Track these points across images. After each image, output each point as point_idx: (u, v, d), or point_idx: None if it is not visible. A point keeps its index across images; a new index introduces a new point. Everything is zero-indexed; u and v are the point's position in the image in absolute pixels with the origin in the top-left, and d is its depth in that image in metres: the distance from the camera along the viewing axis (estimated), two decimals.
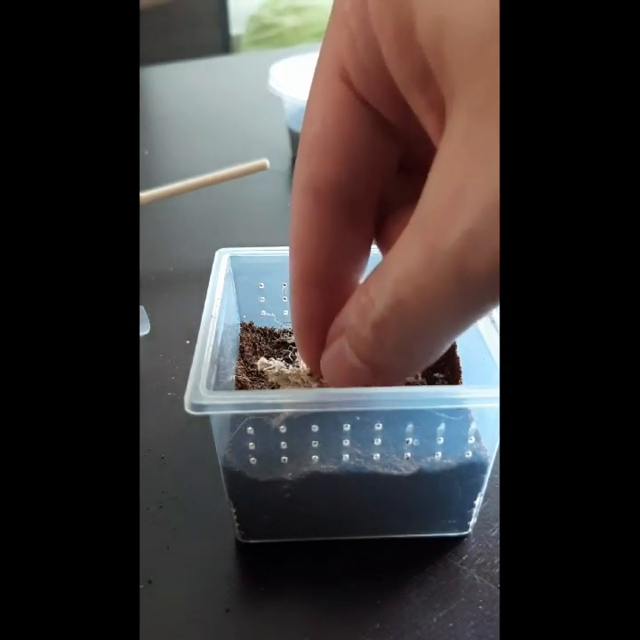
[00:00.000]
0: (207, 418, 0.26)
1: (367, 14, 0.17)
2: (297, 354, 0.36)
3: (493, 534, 0.31)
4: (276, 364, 0.33)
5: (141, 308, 0.44)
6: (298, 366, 0.34)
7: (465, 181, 0.15)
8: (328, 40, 0.20)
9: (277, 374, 0.32)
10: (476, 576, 0.29)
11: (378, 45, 0.17)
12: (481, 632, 0.27)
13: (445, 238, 0.16)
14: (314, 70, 0.20)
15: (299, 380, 0.32)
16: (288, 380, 0.32)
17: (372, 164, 0.21)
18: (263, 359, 0.33)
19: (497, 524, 0.32)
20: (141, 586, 0.29)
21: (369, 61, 0.18)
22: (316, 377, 0.27)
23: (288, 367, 0.34)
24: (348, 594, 0.29)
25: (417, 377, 0.34)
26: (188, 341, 0.45)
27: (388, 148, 0.21)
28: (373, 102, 0.19)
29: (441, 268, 0.16)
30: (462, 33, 0.15)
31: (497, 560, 0.30)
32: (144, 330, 0.44)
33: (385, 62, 0.18)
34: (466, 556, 0.30)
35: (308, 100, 0.21)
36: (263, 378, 0.34)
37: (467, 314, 0.18)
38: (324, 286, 0.23)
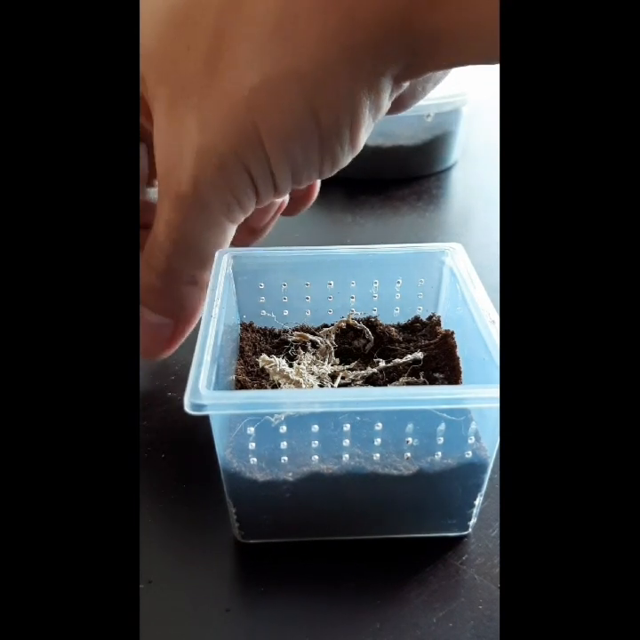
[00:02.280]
0: (207, 417, 0.26)
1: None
2: (297, 351, 0.36)
3: (493, 534, 0.31)
4: (278, 361, 0.33)
5: None
6: (300, 364, 0.34)
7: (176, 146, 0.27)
8: None
9: (279, 372, 0.32)
10: (475, 576, 0.29)
11: None
12: (481, 632, 0.27)
13: (179, 182, 0.27)
14: None
15: (300, 379, 0.32)
16: (289, 377, 0.32)
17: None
18: (265, 356, 0.33)
19: (497, 524, 0.32)
20: (141, 586, 0.29)
21: None
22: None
23: (290, 365, 0.34)
24: (348, 594, 0.29)
25: (418, 377, 0.34)
26: (188, 341, 0.45)
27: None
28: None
29: (182, 201, 0.28)
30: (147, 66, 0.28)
31: (497, 560, 0.30)
32: None
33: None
34: (466, 555, 0.30)
35: None
36: (263, 377, 0.34)
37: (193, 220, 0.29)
38: None
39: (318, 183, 0.30)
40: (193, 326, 0.28)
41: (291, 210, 0.34)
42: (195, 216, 0.27)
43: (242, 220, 0.30)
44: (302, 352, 0.35)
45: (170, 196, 0.26)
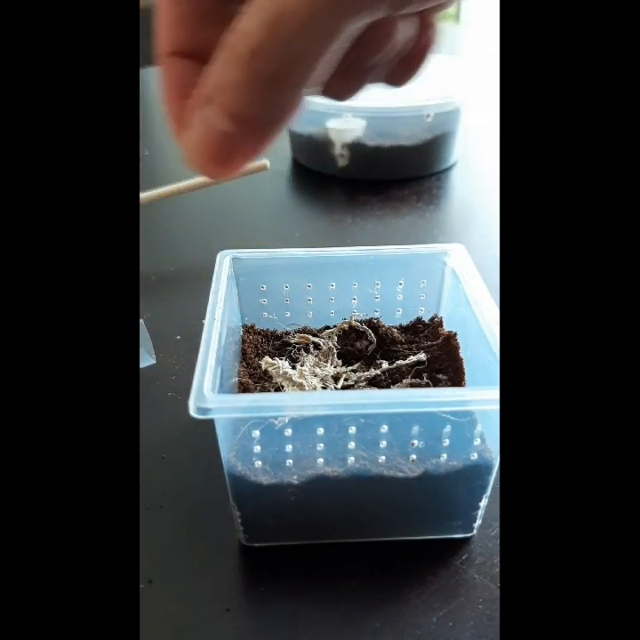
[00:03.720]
0: (209, 419, 0.26)
1: None
2: (299, 353, 0.36)
3: (493, 534, 0.31)
4: (281, 363, 0.33)
5: (146, 336, 0.42)
6: (302, 366, 0.34)
7: None
8: None
9: (282, 374, 0.32)
10: (475, 576, 0.29)
11: None
12: (481, 631, 0.27)
13: None
14: None
15: (303, 381, 0.32)
16: (292, 379, 0.32)
17: None
18: (267, 358, 0.33)
19: (497, 524, 0.32)
20: (141, 586, 0.29)
21: None
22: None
23: (293, 367, 0.34)
24: (348, 594, 0.29)
25: (422, 378, 0.34)
26: (188, 341, 0.45)
27: None
28: None
29: None
30: None
31: (497, 560, 0.30)
32: (149, 360, 0.43)
33: None
34: (466, 555, 0.30)
35: None
36: (266, 380, 0.34)
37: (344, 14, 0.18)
38: (191, 56, 0.22)
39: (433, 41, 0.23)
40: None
41: (399, 75, 0.24)
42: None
43: (359, 29, 0.23)
44: (305, 354, 0.35)
45: None
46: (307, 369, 0.33)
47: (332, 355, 0.36)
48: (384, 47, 0.25)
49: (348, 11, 0.19)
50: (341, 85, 0.25)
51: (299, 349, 0.36)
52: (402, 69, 0.26)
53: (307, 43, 0.19)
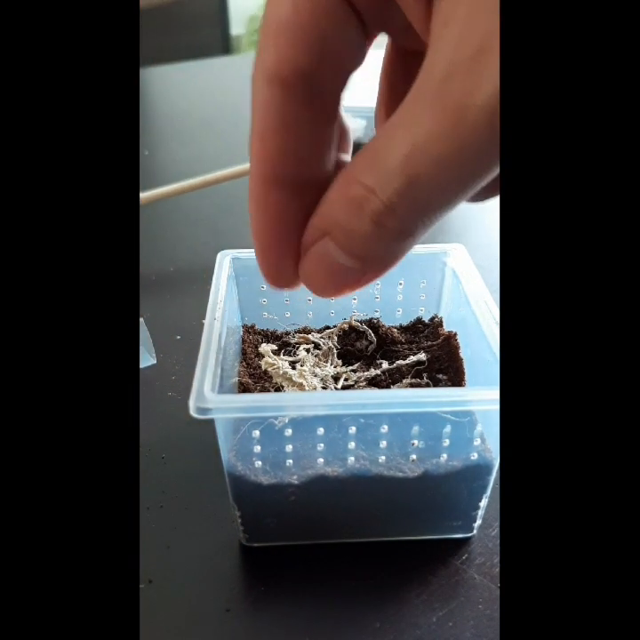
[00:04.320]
0: (209, 418, 0.26)
1: None
2: (299, 352, 0.36)
3: (493, 534, 0.31)
4: (281, 363, 0.33)
5: (147, 336, 0.42)
6: (302, 366, 0.34)
7: (485, 40, 0.16)
8: None
9: (282, 375, 0.32)
10: (475, 576, 0.29)
11: None
12: (481, 632, 0.27)
13: (477, 94, 0.16)
14: None
15: (303, 381, 0.32)
16: (292, 380, 0.32)
17: (343, 52, 0.20)
18: (267, 358, 0.33)
19: (497, 524, 0.32)
20: (141, 586, 0.29)
21: None
22: (277, 287, 0.24)
23: (293, 367, 0.34)
24: (348, 594, 0.29)
25: (422, 378, 0.34)
26: (188, 341, 0.45)
27: (358, 36, 0.20)
28: None
29: (472, 125, 0.16)
30: None
31: (497, 560, 0.30)
32: (149, 360, 0.43)
33: None
34: (466, 555, 0.30)
35: None
36: (266, 380, 0.34)
37: (480, 173, 0.17)
38: (290, 187, 0.21)
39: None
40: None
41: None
42: (474, 150, 0.16)
43: None
44: (305, 354, 0.35)
45: (447, 105, 0.16)
46: (307, 369, 0.33)
47: (332, 355, 0.36)
48: None
49: (478, 176, 0.17)
50: (486, 194, 0.23)
51: (298, 347, 0.36)
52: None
53: (442, 205, 0.18)
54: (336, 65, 0.20)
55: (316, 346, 0.36)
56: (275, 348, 0.35)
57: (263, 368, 0.33)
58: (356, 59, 0.21)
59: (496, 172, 0.17)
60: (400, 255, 0.20)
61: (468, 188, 0.17)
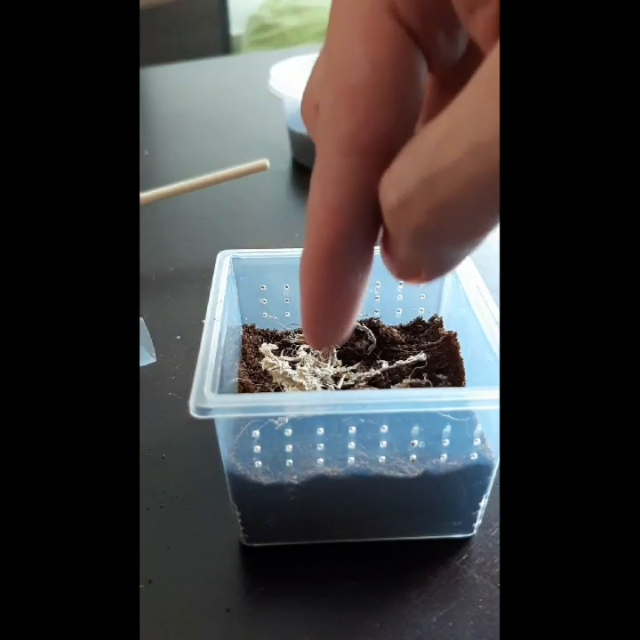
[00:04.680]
0: (209, 418, 0.26)
1: None
2: (299, 352, 0.36)
3: (493, 534, 0.31)
4: (281, 363, 0.33)
5: (147, 335, 0.42)
6: (302, 366, 0.34)
7: None
8: None
9: (282, 375, 0.32)
10: (475, 576, 0.29)
11: None
12: (481, 632, 0.27)
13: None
14: (335, 9, 0.18)
15: (303, 381, 0.32)
16: (292, 380, 0.32)
17: (419, 103, 0.19)
18: (267, 358, 0.33)
19: (497, 524, 0.32)
20: (141, 586, 0.29)
21: None
22: (319, 347, 0.22)
23: (293, 367, 0.34)
24: (348, 594, 0.29)
25: (422, 378, 0.34)
26: (188, 341, 0.45)
27: (425, 80, 0.19)
28: (422, 32, 0.18)
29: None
30: None
31: (497, 560, 0.30)
32: (149, 359, 0.43)
33: None
34: (466, 555, 0.30)
35: (337, 39, 0.18)
36: (266, 379, 0.34)
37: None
38: (354, 253, 0.20)
39: None
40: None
41: None
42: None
43: None
44: (305, 354, 0.35)
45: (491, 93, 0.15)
46: (306, 369, 0.33)
47: (332, 355, 0.36)
48: None
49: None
50: None
51: (298, 347, 0.36)
52: None
53: (463, 206, 0.16)
54: (412, 120, 0.19)
55: None
56: (275, 347, 0.35)
57: (263, 368, 0.33)
58: (422, 103, 0.19)
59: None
60: (434, 261, 0.19)
61: (489, 201, 0.16)
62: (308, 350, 0.36)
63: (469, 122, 0.15)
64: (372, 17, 0.18)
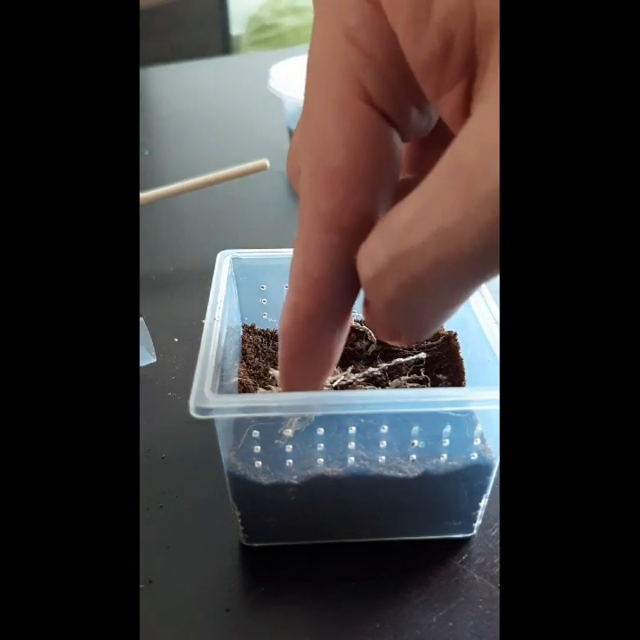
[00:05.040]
0: (209, 418, 0.26)
1: (373, 15, 0.17)
2: None
3: (493, 534, 0.31)
4: (276, 389, 0.33)
5: (147, 334, 0.42)
6: None
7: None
8: (329, 66, 0.18)
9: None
10: (475, 576, 0.29)
11: (396, 46, 0.17)
12: (481, 632, 0.27)
13: (488, 177, 0.15)
14: (310, 91, 0.19)
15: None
16: None
17: (395, 180, 0.19)
18: (262, 389, 0.33)
19: (497, 524, 0.32)
20: (141, 586, 0.29)
21: (389, 67, 0.17)
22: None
23: None
24: (348, 594, 0.29)
25: (420, 374, 0.34)
26: (188, 342, 0.45)
27: (401, 159, 0.20)
28: (394, 113, 0.18)
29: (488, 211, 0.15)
30: None
31: (497, 560, 0.30)
32: (149, 359, 0.43)
33: (404, 61, 0.17)
34: (466, 555, 0.30)
35: (313, 121, 0.19)
36: (266, 379, 0.34)
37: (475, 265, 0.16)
38: (332, 319, 0.21)
39: None
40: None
41: None
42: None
43: None
44: None
45: (457, 181, 0.15)
46: None
47: None
48: None
49: (482, 265, 0.16)
50: None
51: None
52: None
53: (433, 284, 0.17)
54: (389, 194, 0.19)
55: None
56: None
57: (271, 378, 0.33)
58: (398, 176, 0.20)
59: (495, 273, 0.16)
60: (407, 328, 0.20)
61: (472, 268, 0.16)
62: None
63: (433, 207, 0.16)
64: (345, 102, 0.18)
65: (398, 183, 0.20)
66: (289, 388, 0.23)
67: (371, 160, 0.18)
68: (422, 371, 0.34)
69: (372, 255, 0.18)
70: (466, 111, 0.17)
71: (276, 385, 0.33)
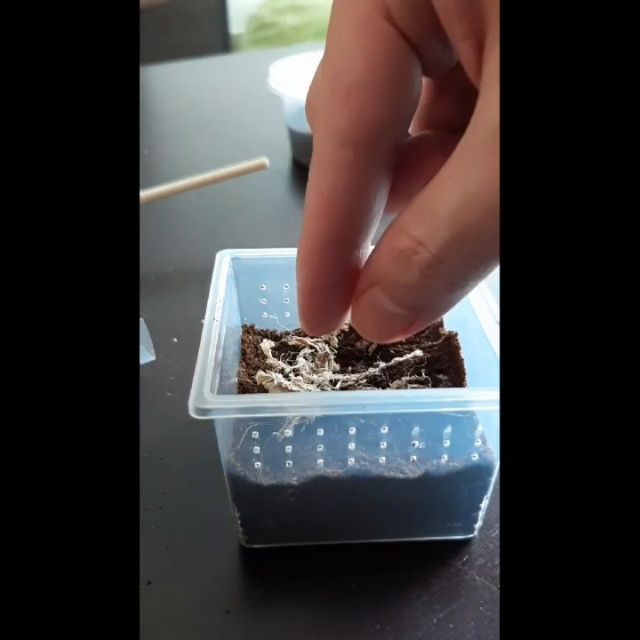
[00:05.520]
0: (208, 419, 0.26)
1: None
2: (298, 357, 0.36)
3: (494, 535, 0.31)
4: (274, 376, 0.33)
5: (146, 333, 0.42)
6: (297, 375, 0.34)
7: None
8: None
9: (277, 386, 0.32)
10: (476, 577, 0.29)
11: None
12: (481, 633, 0.27)
13: None
14: (334, 13, 0.19)
15: (299, 390, 0.32)
16: (288, 390, 0.32)
17: (413, 103, 0.19)
18: (261, 372, 0.33)
19: (498, 525, 0.32)
20: (141, 587, 0.29)
21: None
22: (315, 334, 0.23)
23: (288, 377, 0.33)
24: (348, 595, 0.29)
25: (420, 374, 0.34)
26: (187, 342, 0.45)
27: (421, 83, 0.20)
28: (415, 37, 0.18)
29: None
30: None
31: (497, 561, 0.30)
32: (148, 357, 0.43)
33: None
34: (466, 556, 0.30)
35: (335, 40, 0.19)
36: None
37: None
38: (351, 247, 0.21)
39: None
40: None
41: None
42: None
43: None
44: (303, 361, 0.35)
45: (497, 157, 0.16)
46: (301, 378, 0.33)
47: (329, 360, 0.35)
48: None
49: None
50: None
51: (297, 350, 0.36)
52: None
53: (493, 255, 0.17)
54: (407, 117, 0.19)
55: (314, 350, 0.36)
56: (273, 344, 0.35)
57: (258, 383, 0.33)
58: (416, 104, 0.20)
59: None
60: (450, 304, 0.20)
61: None
62: (305, 357, 0.35)
63: (482, 186, 0.16)
64: (367, 17, 0.18)
65: (417, 135, 0.20)
66: (309, 325, 0.22)
67: (388, 76, 0.18)
68: (423, 371, 0.34)
69: (421, 243, 0.18)
70: (479, 67, 0.17)
71: (264, 388, 0.33)
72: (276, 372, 0.34)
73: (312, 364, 0.35)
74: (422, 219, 0.18)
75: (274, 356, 0.35)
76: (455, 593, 0.29)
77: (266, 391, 0.33)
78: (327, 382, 0.34)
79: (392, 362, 0.35)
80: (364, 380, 0.34)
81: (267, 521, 0.29)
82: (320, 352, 0.36)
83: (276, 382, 0.32)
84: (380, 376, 0.34)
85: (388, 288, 0.20)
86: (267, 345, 0.35)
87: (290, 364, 0.35)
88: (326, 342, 0.36)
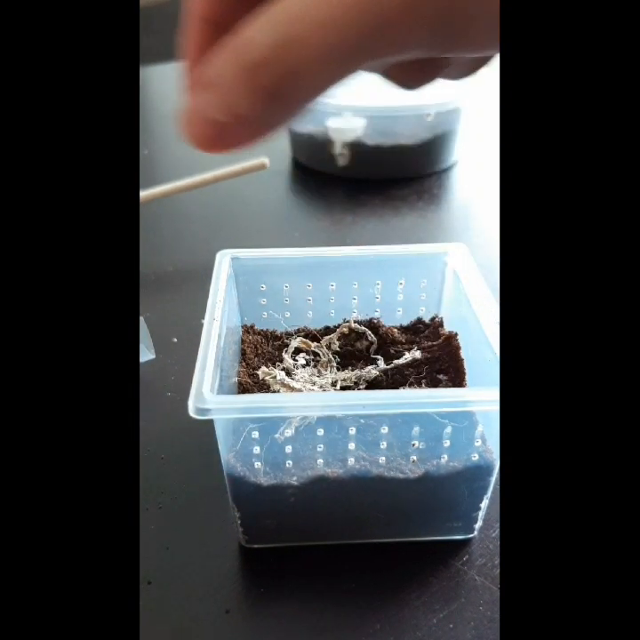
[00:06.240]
0: (208, 419, 0.26)
1: None
2: (298, 358, 0.36)
3: (494, 535, 0.31)
4: (277, 372, 0.33)
5: (146, 332, 0.42)
6: (301, 376, 0.34)
7: None
8: None
9: (280, 382, 0.32)
10: (476, 577, 0.29)
11: None
12: (481, 633, 0.27)
13: None
14: None
15: (301, 388, 0.32)
16: (291, 387, 0.32)
17: None
18: (264, 368, 0.33)
19: (497, 525, 0.32)
20: (141, 586, 0.29)
21: None
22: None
23: (291, 375, 0.33)
24: (348, 595, 0.29)
25: (421, 373, 0.34)
26: (187, 342, 0.45)
27: None
28: None
29: None
30: None
31: (497, 561, 0.30)
32: (148, 355, 0.43)
33: None
34: (466, 557, 0.30)
35: None
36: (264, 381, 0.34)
37: (374, 44, 0.17)
38: (221, 24, 0.21)
39: None
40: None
41: (465, 71, 0.24)
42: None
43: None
44: (304, 365, 0.35)
45: None
46: (305, 377, 0.33)
47: (331, 366, 0.35)
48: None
49: (364, 55, 0.17)
50: (411, 77, 0.23)
51: (298, 353, 0.36)
52: (470, 66, 0.24)
53: (313, 74, 0.18)
54: None
55: (315, 354, 0.36)
56: (273, 373, 0.35)
57: (261, 377, 0.33)
58: None
59: (407, 50, 0.17)
60: (273, 121, 0.20)
61: (354, 58, 0.17)
62: (307, 362, 0.35)
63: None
64: None
65: None
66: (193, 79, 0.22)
67: None
68: (424, 370, 0.34)
69: (252, 42, 0.18)
70: None
71: (269, 386, 0.33)
72: (279, 368, 0.34)
73: (314, 370, 0.35)
74: (261, 18, 0.18)
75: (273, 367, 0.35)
76: (455, 593, 0.29)
77: (268, 387, 0.33)
78: (328, 385, 0.34)
79: (392, 362, 0.35)
80: (364, 385, 0.34)
81: (267, 521, 0.29)
82: (323, 359, 0.36)
83: (278, 378, 0.32)
84: (381, 376, 0.34)
85: (215, 89, 0.19)
86: (265, 370, 0.34)
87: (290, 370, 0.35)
88: (327, 347, 0.36)
